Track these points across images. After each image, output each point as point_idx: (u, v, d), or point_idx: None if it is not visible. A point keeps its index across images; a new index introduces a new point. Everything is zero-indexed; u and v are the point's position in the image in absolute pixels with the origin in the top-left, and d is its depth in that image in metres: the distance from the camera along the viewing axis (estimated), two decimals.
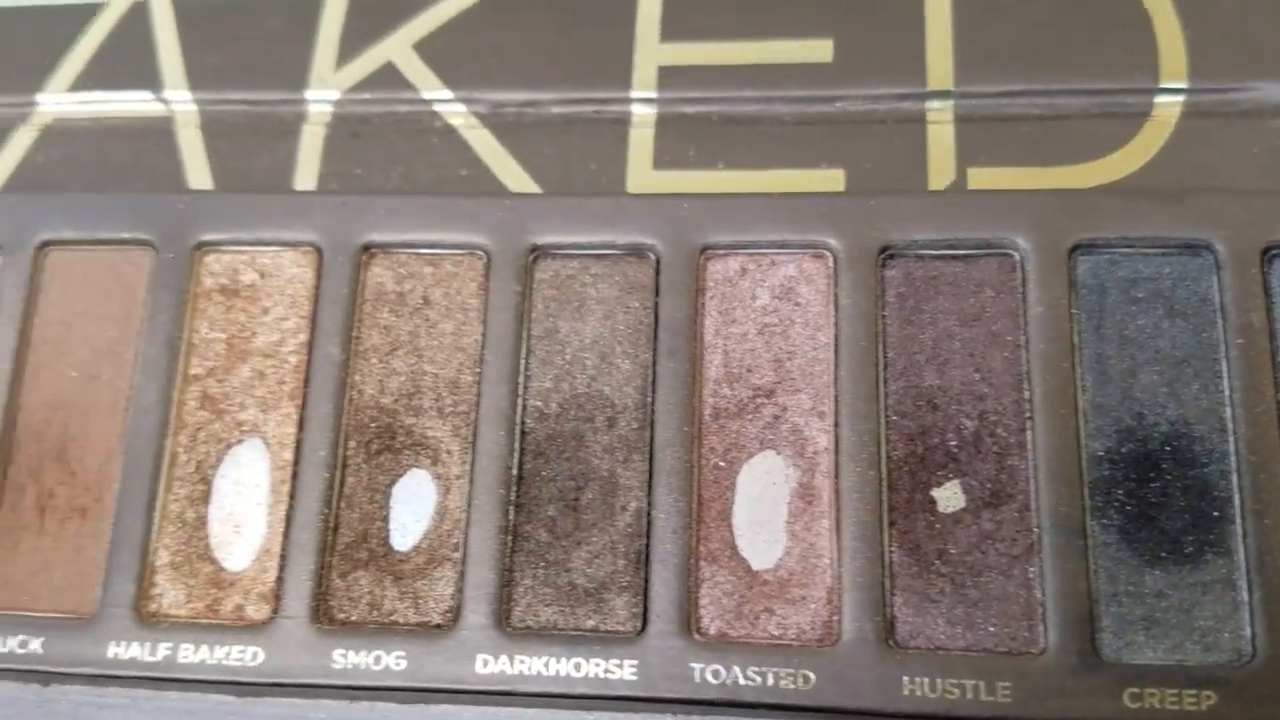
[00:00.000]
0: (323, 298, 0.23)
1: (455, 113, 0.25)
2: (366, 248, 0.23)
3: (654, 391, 0.21)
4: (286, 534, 0.21)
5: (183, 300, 0.23)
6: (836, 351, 0.21)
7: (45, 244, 0.23)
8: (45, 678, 0.21)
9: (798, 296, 0.22)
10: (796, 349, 0.22)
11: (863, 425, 0.21)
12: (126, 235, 0.23)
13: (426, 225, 0.23)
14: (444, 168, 0.25)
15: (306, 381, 0.22)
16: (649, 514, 0.21)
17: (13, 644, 0.21)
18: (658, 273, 0.22)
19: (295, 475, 0.22)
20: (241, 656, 0.21)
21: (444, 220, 0.23)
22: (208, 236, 0.23)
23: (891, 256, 0.22)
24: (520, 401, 0.22)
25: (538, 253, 0.22)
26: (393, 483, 0.22)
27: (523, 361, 0.22)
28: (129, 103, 0.26)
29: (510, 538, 0.21)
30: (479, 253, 0.23)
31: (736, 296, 0.22)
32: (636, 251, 0.22)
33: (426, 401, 0.22)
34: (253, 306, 0.23)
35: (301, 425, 0.22)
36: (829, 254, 0.22)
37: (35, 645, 0.21)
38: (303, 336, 0.23)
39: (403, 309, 0.23)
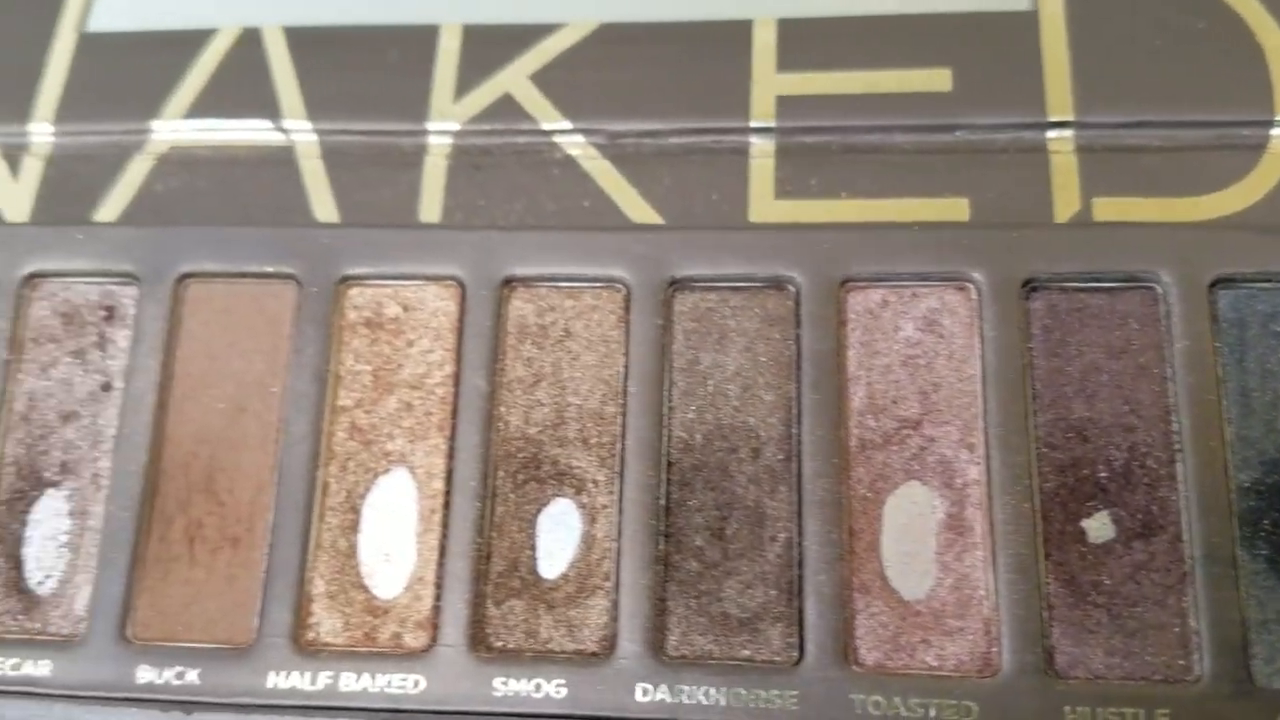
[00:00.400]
0: (467, 331, 0.23)
1: (574, 144, 0.25)
2: (508, 281, 0.23)
3: (799, 423, 0.22)
4: (441, 563, 0.22)
5: (329, 334, 0.23)
6: (984, 384, 0.21)
7: (185, 276, 0.24)
8: (189, 707, 0.21)
9: (941, 329, 0.22)
10: (942, 381, 0.22)
11: (1015, 458, 0.21)
12: (270, 269, 0.24)
13: (567, 259, 0.23)
14: (566, 199, 0.25)
15: (455, 413, 0.23)
16: (800, 545, 0.21)
17: (169, 675, 0.21)
18: (797, 304, 0.22)
19: (447, 505, 0.22)
20: (404, 684, 0.21)
21: (585, 254, 0.23)
22: (352, 270, 0.23)
23: (1035, 289, 0.22)
24: (665, 433, 0.22)
25: (677, 285, 0.23)
26: (538, 512, 0.22)
27: (666, 393, 0.22)
28: (247, 131, 0.26)
29: (661, 567, 0.21)
30: (618, 285, 0.23)
31: (879, 328, 0.22)
32: (776, 284, 0.23)
33: (571, 432, 0.22)
34: (397, 339, 0.23)
35: (451, 455, 0.22)
36: (971, 286, 0.22)
37: (192, 676, 0.21)
38: (448, 369, 0.23)
39: (545, 341, 0.23)
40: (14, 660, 0.22)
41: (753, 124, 0.25)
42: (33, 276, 0.24)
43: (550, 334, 0.23)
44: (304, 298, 0.23)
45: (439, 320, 0.23)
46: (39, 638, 0.22)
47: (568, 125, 0.25)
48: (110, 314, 0.24)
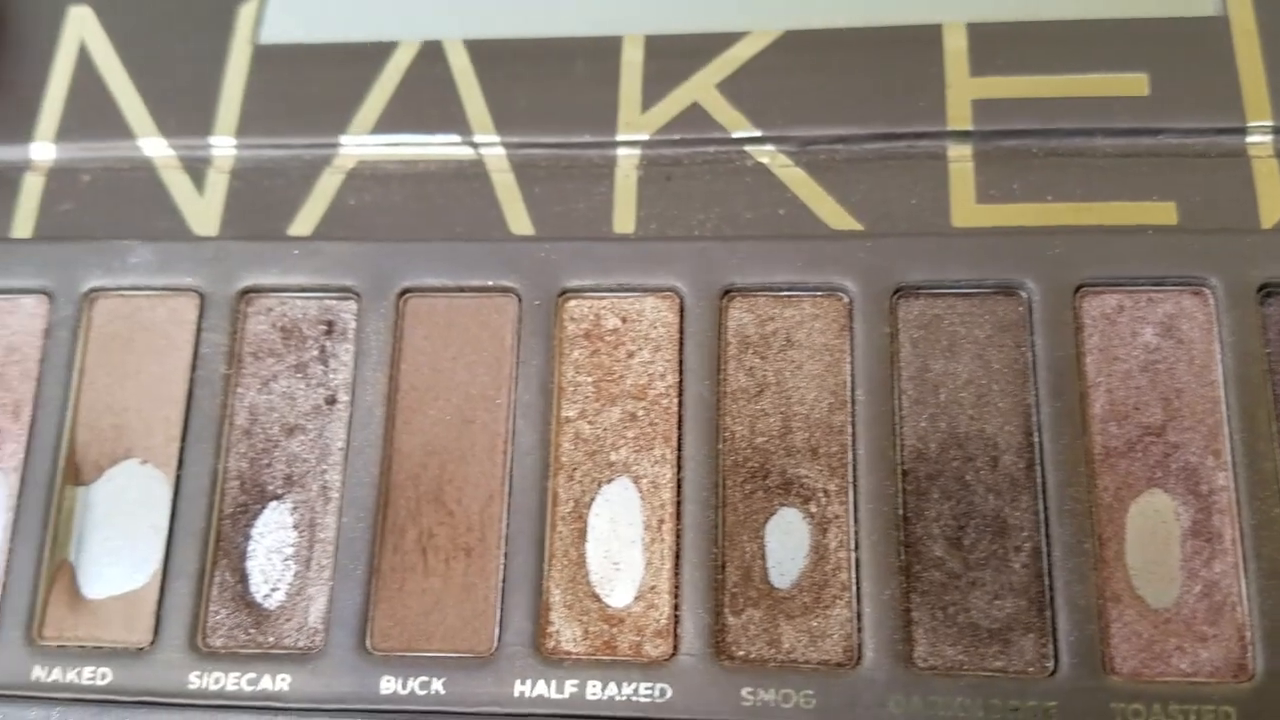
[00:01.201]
0: (688, 341, 0.23)
1: (765, 152, 0.26)
2: (727, 291, 0.23)
3: (1040, 431, 0.22)
4: (677, 572, 0.22)
5: (551, 346, 0.23)
6: (1225, 389, 0.21)
7: (406, 291, 0.24)
8: (437, 717, 0.21)
9: (1180, 334, 0.22)
10: (1184, 387, 0.22)
11: (1262, 463, 0.21)
12: (491, 283, 0.24)
13: (786, 267, 0.23)
14: (762, 207, 0.25)
15: (680, 423, 0.23)
16: (1048, 554, 0.21)
17: (414, 685, 0.21)
18: (1029, 310, 0.22)
19: (679, 515, 0.22)
20: (650, 693, 0.21)
21: (805, 262, 0.23)
22: (571, 283, 0.24)
23: (1270, 294, 0.22)
24: (898, 442, 0.22)
25: (901, 292, 0.23)
26: (765, 521, 0.22)
27: (896, 402, 0.22)
28: (437, 146, 0.27)
29: (904, 577, 0.21)
30: (840, 294, 0.23)
31: (1116, 334, 0.22)
32: (1005, 289, 0.23)
33: (798, 442, 0.22)
34: (617, 351, 0.23)
35: (680, 466, 0.22)
36: (1208, 291, 0.22)
37: (438, 686, 0.21)
38: (670, 379, 0.23)
39: (767, 351, 0.23)
40: (250, 675, 0.22)
41: (949, 128, 0.25)
42: (248, 291, 0.24)
43: (772, 343, 0.23)
44: (525, 311, 0.23)
45: (658, 331, 0.23)
46: (274, 651, 0.22)
47: (758, 133, 0.26)
48: (330, 328, 0.24)
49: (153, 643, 0.22)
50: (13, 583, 0.23)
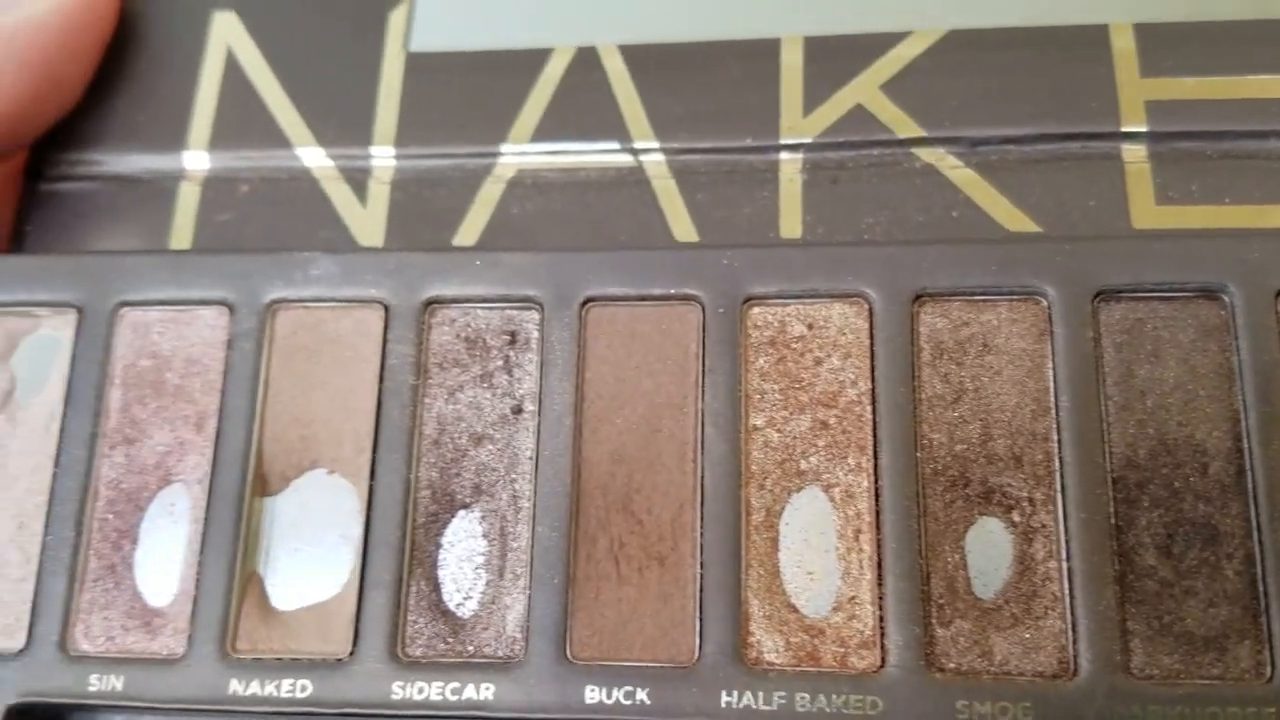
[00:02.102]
0: (880, 347, 0.23)
1: (933, 153, 0.25)
2: (918, 296, 0.23)
3: (1249, 436, 0.21)
4: (879, 583, 0.22)
5: (737, 353, 0.23)
6: None
7: (588, 300, 0.24)
8: None
9: None
10: None
11: None
12: (674, 291, 0.24)
13: (979, 271, 0.23)
14: (934, 210, 0.25)
15: (875, 431, 0.22)
16: (1260, 560, 0.21)
17: (618, 695, 0.21)
18: (1232, 314, 0.22)
19: (878, 525, 0.22)
20: (860, 705, 0.21)
21: (999, 266, 0.23)
22: (755, 290, 0.23)
23: None
24: (1107, 449, 0.22)
25: (1102, 296, 0.22)
26: (965, 531, 0.22)
27: (1103, 408, 0.22)
28: (596, 154, 0.27)
29: (1118, 587, 0.21)
30: (1038, 297, 0.23)
31: None
32: (1207, 293, 0.22)
33: (1000, 449, 0.22)
34: (804, 358, 0.23)
35: (877, 475, 0.22)
36: None
37: (643, 696, 0.21)
38: (862, 386, 0.23)
39: (963, 358, 0.23)
40: (454, 684, 0.22)
41: (1123, 129, 0.25)
42: (431, 303, 0.24)
43: (968, 349, 0.23)
44: (709, 319, 0.23)
45: (847, 338, 0.23)
46: (474, 660, 0.22)
47: (925, 134, 0.25)
48: (513, 338, 0.24)
49: (352, 653, 0.22)
50: (204, 596, 0.23)
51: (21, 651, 0.23)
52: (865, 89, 0.26)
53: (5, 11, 0.27)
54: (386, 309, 0.24)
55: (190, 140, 0.28)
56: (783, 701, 0.21)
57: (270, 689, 0.22)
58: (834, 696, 0.21)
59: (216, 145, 0.28)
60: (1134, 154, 0.25)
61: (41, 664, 0.23)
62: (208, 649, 0.22)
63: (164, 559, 0.24)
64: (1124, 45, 0.25)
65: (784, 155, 0.26)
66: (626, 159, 0.26)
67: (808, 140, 0.26)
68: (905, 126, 0.25)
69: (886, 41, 0.26)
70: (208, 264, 0.25)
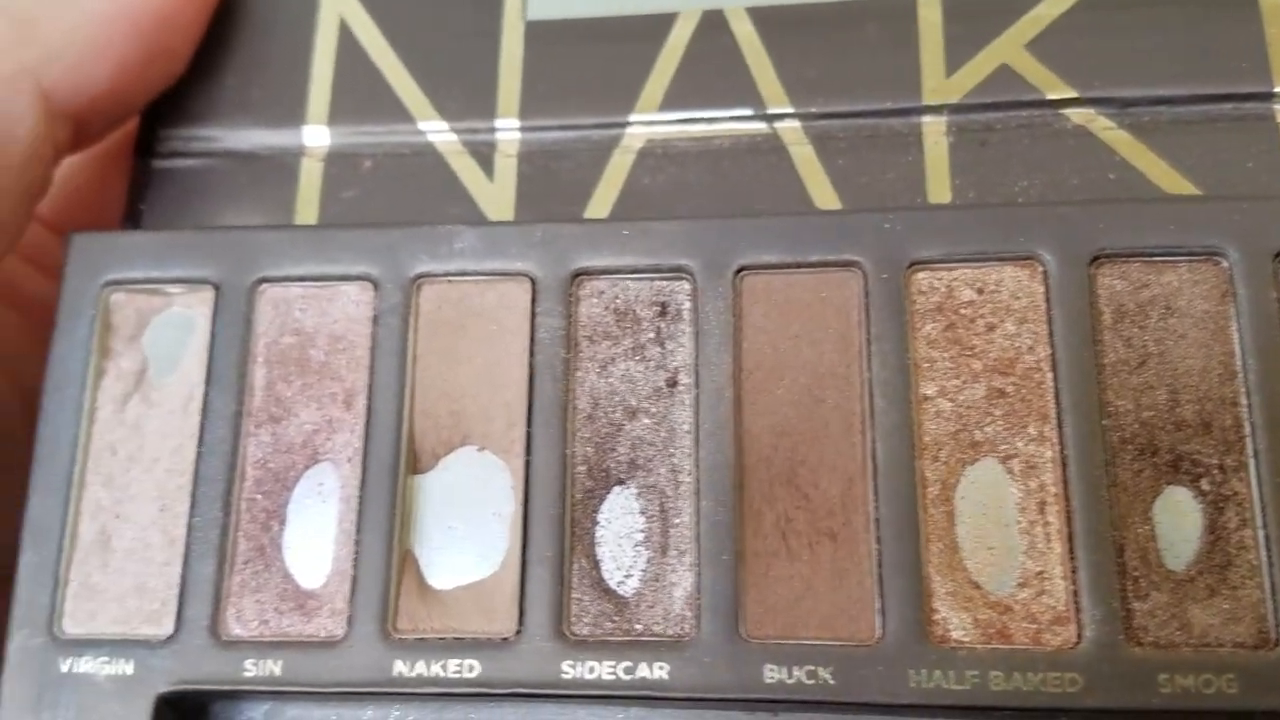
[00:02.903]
0: (1057, 311, 0.22)
1: (1084, 114, 0.25)
2: (1096, 258, 0.22)
3: None
4: (1071, 557, 0.21)
5: (903, 320, 0.22)
6: None
7: (741, 269, 0.23)
8: (833, 708, 0.21)
9: None
10: None
11: None
12: (833, 257, 0.23)
13: (1158, 232, 0.22)
14: (1089, 172, 0.24)
15: (1057, 399, 0.21)
16: None
17: (799, 674, 0.21)
18: None
19: (1066, 496, 0.21)
20: (1059, 683, 0.20)
21: (1178, 226, 0.22)
22: (919, 255, 0.23)
23: None
24: None
25: None
26: (1153, 501, 0.21)
27: None
28: (728, 121, 0.26)
29: None
30: (1218, 258, 0.22)
31: None
32: None
33: (1188, 415, 0.21)
34: (975, 324, 0.22)
35: (1062, 444, 0.21)
36: None
37: (825, 675, 0.21)
38: (1041, 352, 0.22)
39: (1145, 321, 0.22)
40: (625, 663, 0.21)
41: (1277, 89, 0.24)
42: (579, 274, 0.23)
43: (1150, 312, 0.22)
44: (871, 285, 0.22)
45: (1020, 302, 0.22)
46: (644, 639, 0.21)
47: (1075, 95, 0.25)
48: (664, 309, 0.23)
49: (518, 632, 0.22)
50: (362, 576, 0.22)
51: (170, 638, 0.22)
52: (1009, 48, 0.25)
53: None
54: (533, 281, 0.24)
55: (309, 115, 0.27)
56: (975, 680, 0.20)
57: (436, 669, 0.21)
58: (1030, 674, 0.20)
59: (336, 120, 0.27)
60: None
61: (193, 650, 0.22)
62: (369, 629, 0.22)
63: (314, 539, 0.23)
64: (1273, 3, 0.24)
65: (927, 118, 0.25)
66: (760, 126, 0.26)
67: (952, 102, 0.25)
68: (1054, 86, 0.25)
69: (1028, 0, 0.25)
70: (350, 238, 0.24)
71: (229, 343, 0.24)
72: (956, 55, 0.25)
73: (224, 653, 0.22)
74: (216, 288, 0.25)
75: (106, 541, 0.24)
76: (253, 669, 0.22)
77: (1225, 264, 0.22)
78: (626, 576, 0.22)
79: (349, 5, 0.28)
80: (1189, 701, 0.19)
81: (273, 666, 0.22)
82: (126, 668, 0.22)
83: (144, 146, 0.28)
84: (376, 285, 0.24)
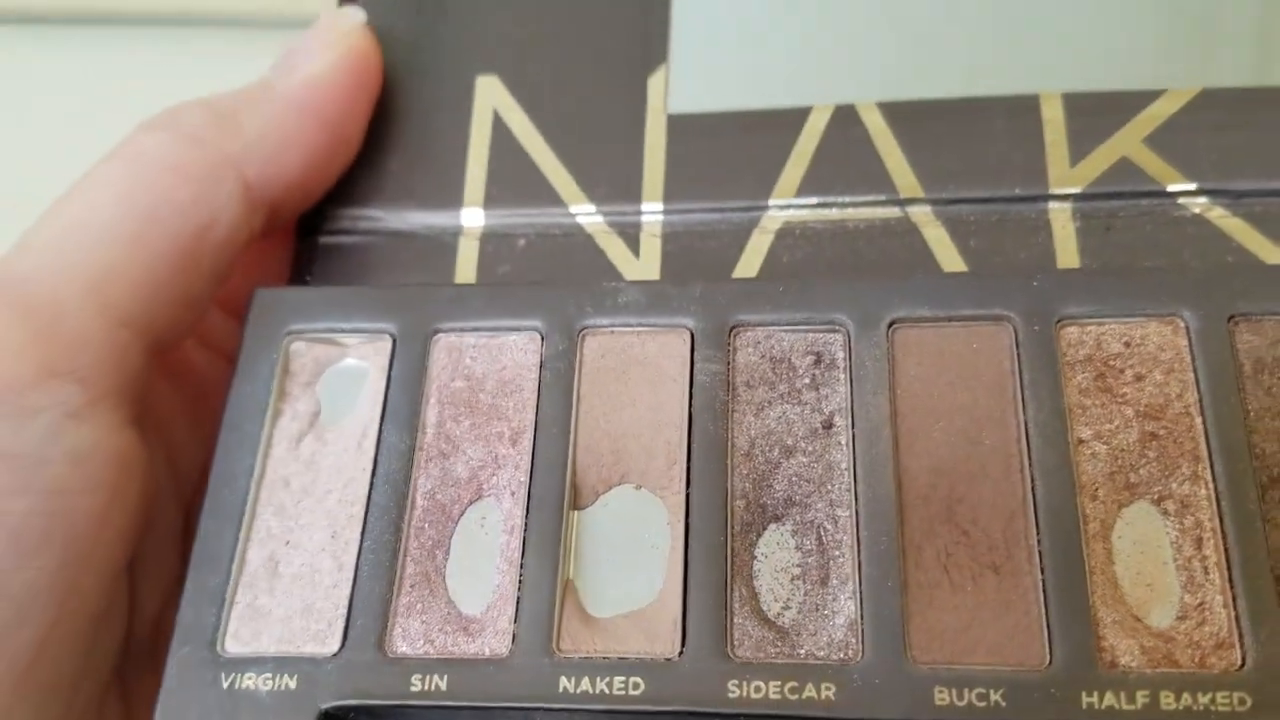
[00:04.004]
0: (1201, 363, 0.23)
1: (1200, 204, 0.26)
2: (1232, 317, 0.23)
3: None
4: (1231, 585, 0.21)
5: (1056, 368, 0.23)
6: None
7: (894, 322, 0.24)
8: None
9: None
10: None
11: None
12: (983, 312, 0.24)
13: None
14: (1208, 255, 0.26)
15: (1208, 441, 0.22)
16: None
17: (970, 696, 0.21)
18: None
19: (1223, 530, 0.22)
20: (1227, 701, 0.20)
21: None
22: (1068, 311, 0.24)
23: None
24: None
25: None
26: None
27: None
28: (862, 206, 0.28)
29: None
30: None
31: None
32: None
33: None
34: (1124, 374, 0.23)
35: (1214, 482, 0.22)
36: None
37: (996, 698, 0.21)
38: (1189, 399, 0.23)
39: None
40: (792, 683, 0.21)
41: None
42: (736, 326, 0.25)
43: None
44: (1022, 336, 0.24)
45: (1166, 354, 0.24)
46: (809, 663, 0.22)
47: (1191, 186, 0.26)
48: (818, 359, 0.25)
49: (680, 653, 0.22)
50: (526, 600, 0.23)
51: (335, 655, 0.23)
52: (1128, 142, 0.27)
53: (290, 73, 0.28)
54: (692, 333, 0.25)
55: (466, 199, 0.29)
56: (1146, 700, 0.20)
57: (601, 686, 0.22)
58: (1199, 695, 0.20)
59: (491, 204, 0.29)
60: None
61: (358, 666, 0.23)
62: (533, 649, 0.22)
63: (476, 569, 0.24)
64: None
65: (1054, 205, 0.27)
66: (894, 210, 0.27)
67: (1077, 191, 0.27)
68: (1171, 178, 0.26)
69: (1143, 99, 0.27)
70: (520, 294, 0.26)
71: (405, 384, 0.26)
72: (1079, 148, 0.27)
73: (390, 668, 0.22)
74: (394, 337, 0.26)
75: (274, 567, 0.24)
76: (419, 684, 0.22)
77: None
78: (784, 608, 0.23)
79: (500, 96, 0.30)
80: None
81: (439, 682, 0.22)
82: (290, 683, 0.23)
83: (310, 224, 0.30)
84: (543, 336, 0.26)
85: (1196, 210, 0.26)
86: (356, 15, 0.30)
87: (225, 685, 0.23)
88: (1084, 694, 0.20)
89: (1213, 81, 0.28)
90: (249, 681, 0.23)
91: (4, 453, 0.23)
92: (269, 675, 0.23)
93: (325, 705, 0.22)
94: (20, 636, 0.23)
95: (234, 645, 0.23)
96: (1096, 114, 0.27)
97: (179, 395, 0.30)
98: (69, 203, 0.26)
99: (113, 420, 0.25)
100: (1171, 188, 0.26)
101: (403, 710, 0.22)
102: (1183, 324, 0.24)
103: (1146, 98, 0.27)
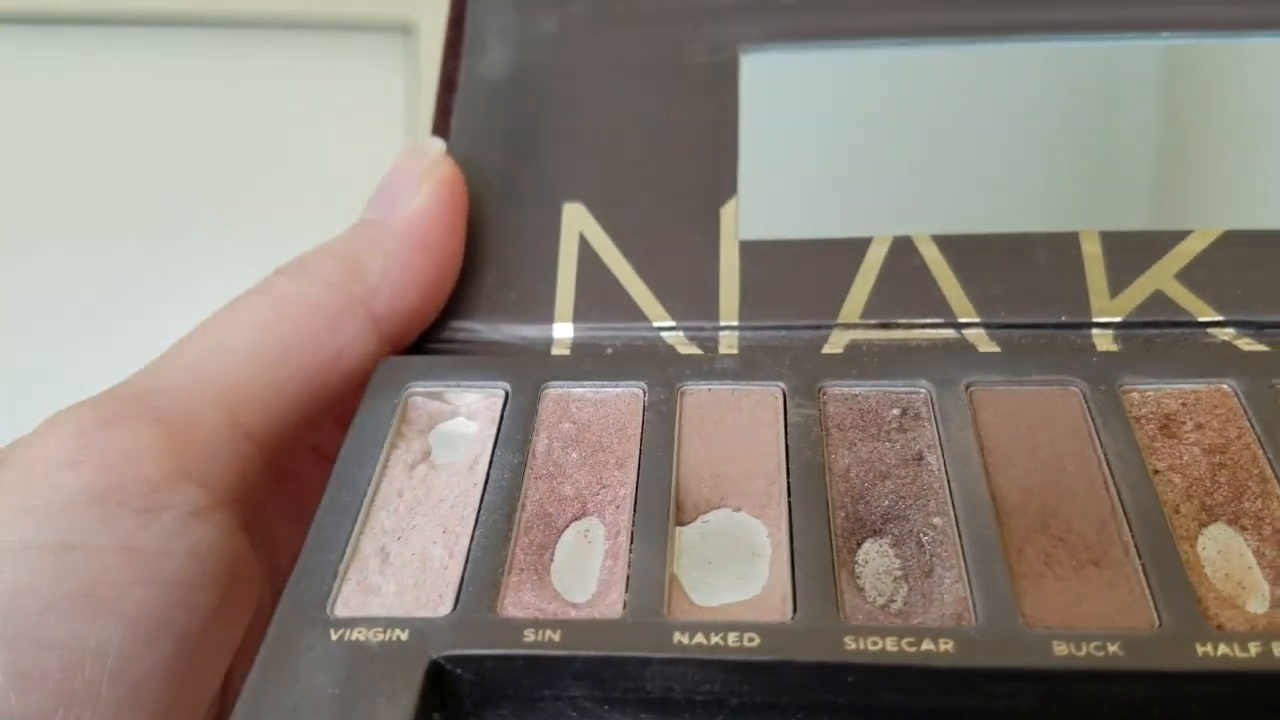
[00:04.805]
0: (1252, 413, 0.26)
1: (1228, 334, 0.30)
2: (1272, 385, 0.26)
3: None
4: None
5: (1125, 416, 0.26)
6: None
7: (970, 384, 0.27)
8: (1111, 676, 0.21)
9: None
10: None
11: None
12: (1052, 378, 0.27)
13: None
14: None
15: (1271, 465, 0.25)
16: None
17: (1089, 648, 0.21)
18: None
19: None
20: None
21: None
22: (1126, 380, 0.27)
23: None
24: None
25: None
26: None
27: None
28: (923, 328, 0.31)
29: None
30: None
31: None
32: None
33: None
34: (1184, 425, 0.26)
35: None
36: None
37: (1114, 649, 0.21)
38: (1248, 438, 0.26)
39: None
40: (909, 639, 0.22)
41: None
42: (824, 386, 0.28)
43: None
44: (1090, 395, 0.27)
45: (1220, 409, 0.26)
46: (922, 627, 0.22)
47: (1220, 318, 0.30)
48: (904, 411, 0.27)
49: (793, 616, 0.22)
50: (635, 581, 0.23)
51: (448, 615, 0.23)
52: (1161, 277, 0.31)
53: (393, 210, 0.32)
54: (784, 391, 0.28)
55: (556, 314, 0.32)
56: (1260, 649, 0.21)
57: (716, 639, 0.22)
58: None
59: (580, 318, 0.32)
60: None
61: (471, 623, 0.23)
62: (646, 611, 0.23)
63: (581, 568, 0.25)
64: None
65: (1096, 331, 0.30)
66: (950, 332, 0.31)
67: (1117, 320, 0.30)
68: (1202, 310, 0.30)
69: (1172, 238, 0.31)
70: (628, 358, 0.29)
71: (516, 420, 0.28)
72: (1117, 281, 0.31)
73: (503, 625, 0.23)
74: (507, 392, 0.29)
75: (386, 556, 0.25)
76: (531, 635, 0.22)
77: None
78: (890, 601, 0.23)
79: (586, 222, 0.34)
80: None
81: (551, 634, 0.22)
82: (402, 635, 0.23)
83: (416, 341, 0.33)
84: (646, 391, 0.28)
85: (1226, 339, 0.30)
86: (436, 145, 0.34)
87: (335, 638, 0.23)
88: (1198, 644, 0.21)
89: (1235, 224, 0.31)
90: (359, 634, 0.23)
91: (130, 547, 0.24)
92: (380, 629, 0.23)
93: (437, 655, 0.22)
94: None
95: (344, 610, 0.23)
96: (1131, 251, 0.31)
97: (285, 498, 0.32)
98: (210, 327, 0.29)
99: (230, 524, 0.26)
100: (1202, 318, 0.30)
101: (513, 667, 0.22)
102: (1230, 389, 0.27)
103: (1176, 237, 0.31)
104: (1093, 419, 0.26)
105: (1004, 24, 0.34)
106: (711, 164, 0.34)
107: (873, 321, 0.31)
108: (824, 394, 0.28)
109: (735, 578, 0.24)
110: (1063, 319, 0.31)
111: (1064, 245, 0.32)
